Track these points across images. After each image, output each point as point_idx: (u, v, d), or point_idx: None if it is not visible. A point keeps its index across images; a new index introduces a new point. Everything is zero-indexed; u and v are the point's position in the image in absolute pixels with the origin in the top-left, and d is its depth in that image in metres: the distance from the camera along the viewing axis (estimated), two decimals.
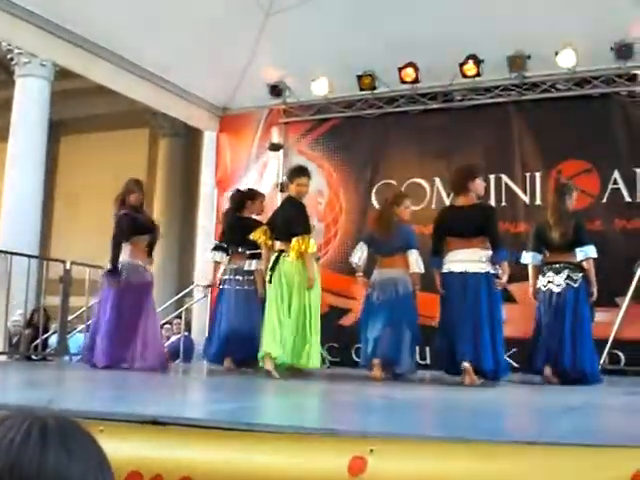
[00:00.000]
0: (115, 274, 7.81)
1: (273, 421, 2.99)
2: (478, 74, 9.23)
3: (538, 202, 9.26)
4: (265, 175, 10.86)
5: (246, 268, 8.25)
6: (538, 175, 9.34)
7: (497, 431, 2.86)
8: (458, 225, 6.92)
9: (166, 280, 17.28)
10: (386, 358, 7.27)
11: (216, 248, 8.61)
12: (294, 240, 7.19)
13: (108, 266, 7.97)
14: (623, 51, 8.63)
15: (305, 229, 7.29)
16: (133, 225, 7.97)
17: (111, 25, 8.66)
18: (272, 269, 7.27)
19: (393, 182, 10.00)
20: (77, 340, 11.40)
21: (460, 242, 6.92)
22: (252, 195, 8.74)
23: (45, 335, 10.53)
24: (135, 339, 7.74)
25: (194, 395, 5.90)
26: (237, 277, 8.28)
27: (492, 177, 9.47)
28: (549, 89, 9.38)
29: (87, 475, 1.07)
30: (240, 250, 8.33)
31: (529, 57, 8.97)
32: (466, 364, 6.58)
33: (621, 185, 8.93)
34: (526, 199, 9.32)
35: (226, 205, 9.76)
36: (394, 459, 2.36)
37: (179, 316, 11.68)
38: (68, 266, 9.48)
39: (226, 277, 8.39)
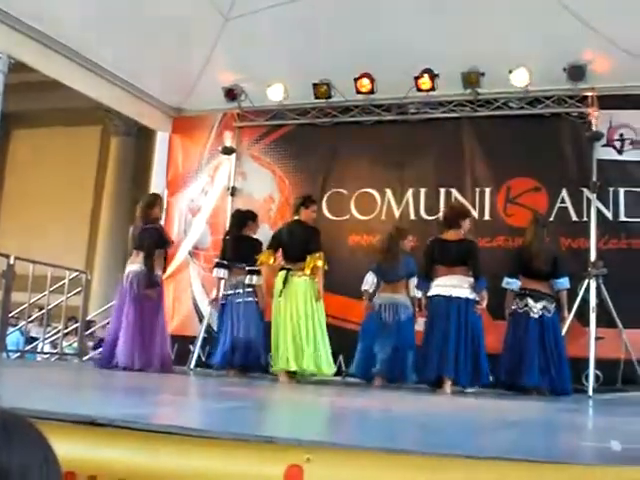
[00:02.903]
0: (155, 284, 8.54)
1: (210, 427, 2.97)
2: (433, 88, 9.28)
3: (487, 217, 9.36)
4: (216, 178, 10.79)
5: (247, 282, 8.83)
6: (488, 191, 9.44)
7: (437, 444, 2.87)
8: (447, 256, 7.96)
9: (111, 279, 17.12)
10: (393, 376, 8.39)
11: (218, 265, 9.06)
12: (309, 257, 8.21)
13: (127, 271, 8.65)
14: (575, 73, 8.76)
15: (319, 248, 8.33)
16: (159, 239, 8.63)
17: (67, 20, 8.55)
18: (283, 286, 8.26)
19: (344, 191, 10.03)
20: (14, 337, 11.23)
21: (447, 270, 7.95)
22: (253, 216, 9.31)
23: None
24: (152, 342, 8.44)
25: (138, 396, 5.85)
26: (238, 291, 8.85)
27: (442, 191, 9.56)
28: (502, 107, 9.49)
29: (29, 468, 1.06)
30: (239, 266, 8.88)
31: (483, 74, 9.04)
32: (447, 377, 7.64)
33: (568, 204, 9.07)
34: (475, 214, 9.36)
35: (179, 207, 9.81)
36: (331, 468, 2.35)
37: None
38: (12, 261, 9.32)
39: (228, 292, 8.93)
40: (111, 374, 7.82)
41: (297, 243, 8.40)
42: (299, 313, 8.18)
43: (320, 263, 8.25)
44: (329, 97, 9.84)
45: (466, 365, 7.66)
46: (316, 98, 9.88)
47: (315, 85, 9.75)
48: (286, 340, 8.12)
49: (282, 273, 8.40)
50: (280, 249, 8.63)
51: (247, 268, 8.81)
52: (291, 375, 8.19)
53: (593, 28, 8.30)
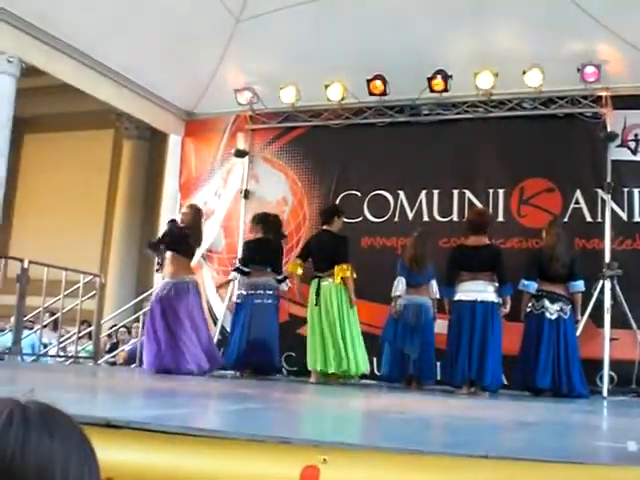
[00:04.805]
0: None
1: (226, 428, 2.97)
2: (446, 89, 9.27)
3: (501, 219, 9.32)
4: (229, 181, 10.80)
5: (274, 285, 8.99)
6: (501, 192, 9.40)
7: (451, 444, 2.85)
8: (472, 262, 8.03)
9: (125, 283, 17.17)
10: (424, 375, 8.55)
11: (236, 270, 9.20)
12: (337, 267, 8.34)
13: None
14: (589, 73, 8.73)
15: (347, 259, 8.43)
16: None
17: (78, 23, 8.58)
18: (317, 294, 8.39)
19: (357, 193, 10.01)
20: (30, 340, 11.24)
21: (471, 275, 8.03)
22: (280, 221, 9.41)
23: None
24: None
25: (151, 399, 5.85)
26: (258, 291, 8.90)
27: (456, 192, 9.54)
28: (515, 107, 9.45)
29: (70, 456, 1.07)
30: (260, 267, 8.99)
31: (497, 75, 9.02)
32: (474, 380, 7.83)
33: (582, 205, 9.03)
34: None
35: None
36: (347, 469, 2.35)
37: (137, 320, 11.56)
38: (26, 265, 9.33)
39: (245, 292, 8.98)
40: (127, 376, 7.81)
41: (326, 253, 8.53)
42: (334, 316, 8.28)
43: (348, 274, 8.37)
44: (342, 99, 9.82)
45: (492, 367, 7.79)
46: (328, 100, 9.86)
47: (327, 87, 9.72)
48: (323, 343, 8.24)
49: (315, 282, 8.53)
50: (310, 258, 8.78)
51: (269, 270, 8.97)
52: (327, 376, 8.30)
53: (607, 28, 8.29)
